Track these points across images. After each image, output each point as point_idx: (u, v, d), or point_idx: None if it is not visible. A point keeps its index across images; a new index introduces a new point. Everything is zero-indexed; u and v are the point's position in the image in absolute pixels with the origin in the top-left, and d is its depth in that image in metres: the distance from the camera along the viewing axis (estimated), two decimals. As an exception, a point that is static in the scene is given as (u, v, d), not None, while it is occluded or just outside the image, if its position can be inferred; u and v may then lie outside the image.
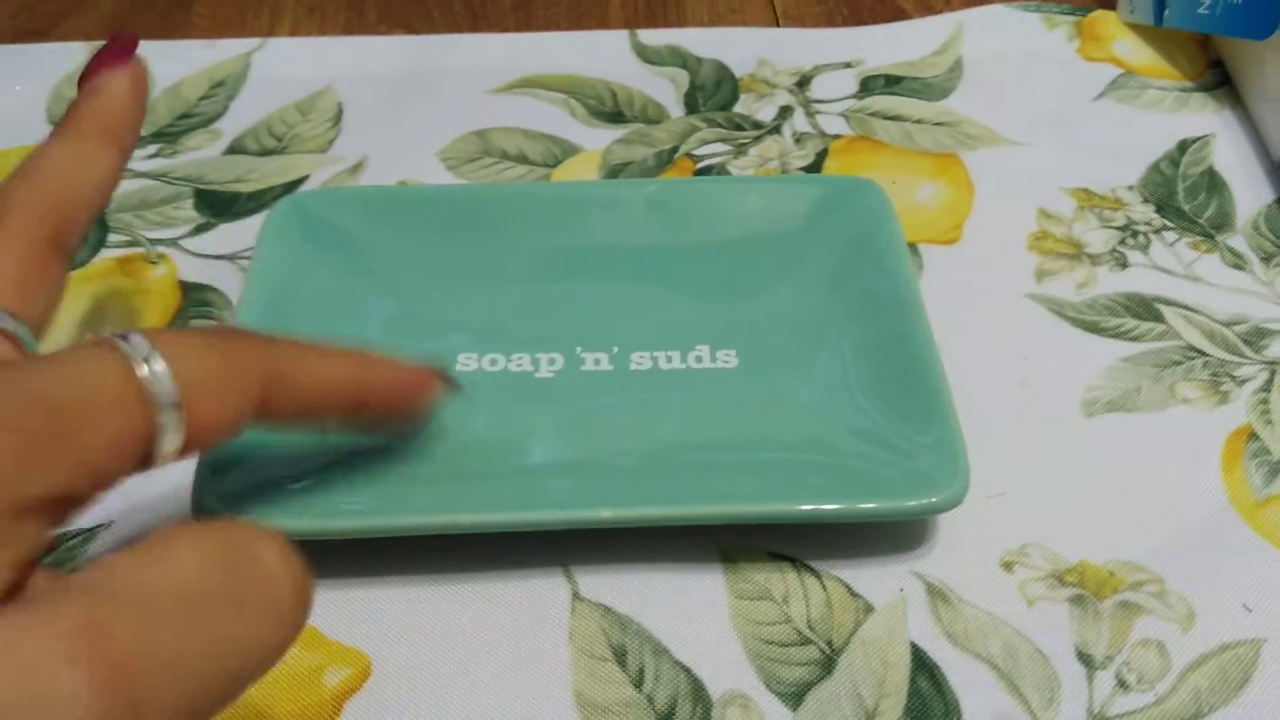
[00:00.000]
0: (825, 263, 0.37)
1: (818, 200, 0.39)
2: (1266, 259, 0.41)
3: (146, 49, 0.29)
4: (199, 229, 0.41)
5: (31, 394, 0.19)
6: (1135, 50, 0.49)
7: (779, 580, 0.31)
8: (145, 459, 0.20)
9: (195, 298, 0.39)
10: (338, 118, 0.46)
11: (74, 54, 0.47)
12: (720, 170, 0.44)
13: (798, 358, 0.35)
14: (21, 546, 0.18)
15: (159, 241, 0.41)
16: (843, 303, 0.36)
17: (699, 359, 0.35)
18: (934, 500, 0.30)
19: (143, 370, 0.20)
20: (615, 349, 0.35)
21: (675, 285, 0.37)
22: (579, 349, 0.35)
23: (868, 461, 0.32)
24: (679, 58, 0.49)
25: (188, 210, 0.42)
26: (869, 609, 0.31)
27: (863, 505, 0.30)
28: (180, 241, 0.41)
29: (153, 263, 0.40)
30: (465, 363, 0.35)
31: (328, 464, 0.31)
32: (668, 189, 0.40)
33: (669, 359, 0.35)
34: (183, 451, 0.21)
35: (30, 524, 0.18)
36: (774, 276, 0.38)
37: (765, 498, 0.31)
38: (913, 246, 0.41)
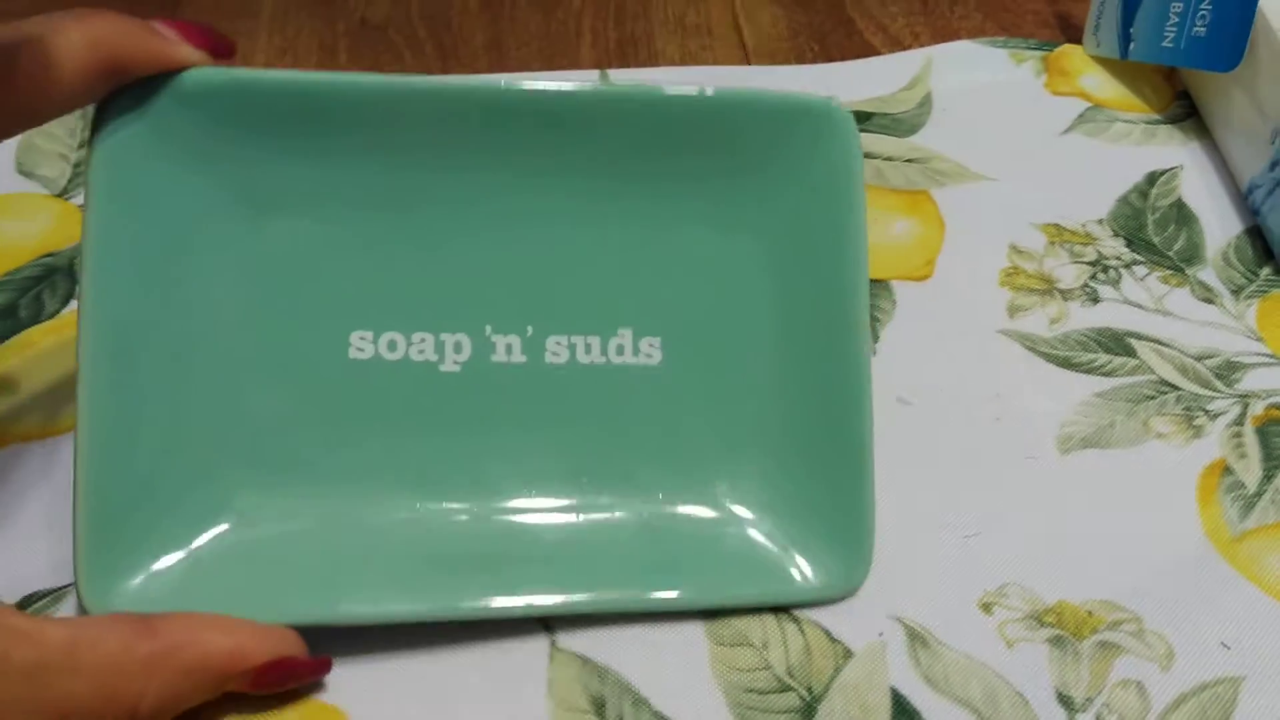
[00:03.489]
0: (768, 223, 0.33)
1: (766, 130, 0.32)
2: (1236, 291, 0.41)
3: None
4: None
5: None
6: (1102, 84, 0.50)
7: (758, 626, 0.31)
8: None
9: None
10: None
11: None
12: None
13: (721, 363, 0.33)
14: None
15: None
16: (779, 293, 0.33)
17: (620, 350, 0.32)
18: (824, 590, 0.32)
19: None
20: (529, 330, 0.32)
21: (598, 234, 0.32)
22: (489, 329, 0.32)
23: (762, 537, 0.32)
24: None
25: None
26: (848, 654, 0.31)
27: (742, 594, 0.31)
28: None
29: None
30: (360, 348, 0.31)
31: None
32: (591, 102, 0.31)
33: (588, 348, 0.32)
34: None
35: None
36: (707, 234, 0.33)
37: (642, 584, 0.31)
38: (884, 283, 0.41)
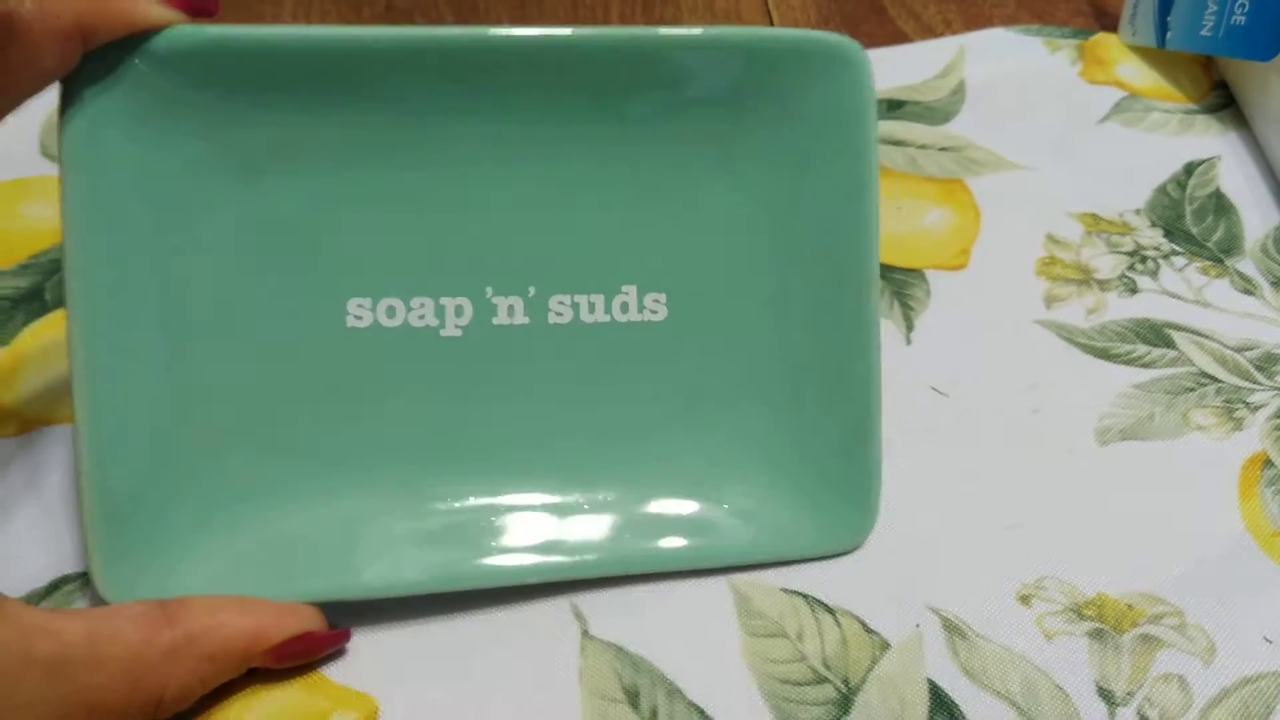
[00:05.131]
0: (775, 169, 0.31)
1: (772, 70, 0.30)
2: (1276, 283, 0.40)
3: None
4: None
5: None
6: (1138, 73, 0.49)
7: (793, 617, 0.31)
8: None
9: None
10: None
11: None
12: None
13: (727, 317, 0.32)
14: None
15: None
16: (788, 243, 0.32)
17: (624, 307, 0.32)
18: (831, 546, 0.32)
19: None
20: (531, 291, 0.31)
21: (601, 186, 0.31)
22: (489, 291, 0.31)
23: (768, 491, 0.32)
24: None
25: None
26: (885, 645, 0.30)
27: (755, 552, 0.32)
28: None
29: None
30: (358, 315, 0.30)
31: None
32: (587, 45, 0.30)
33: (591, 307, 0.31)
34: None
35: None
36: (713, 182, 0.32)
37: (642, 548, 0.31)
38: (919, 273, 0.40)
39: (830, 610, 0.31)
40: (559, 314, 0.31)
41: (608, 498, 0.32)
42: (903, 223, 0.42)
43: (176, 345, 0.29)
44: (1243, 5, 0.46)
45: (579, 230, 0.31)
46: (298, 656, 0.28)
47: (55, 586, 0.31)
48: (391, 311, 0.31)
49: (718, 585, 0.31)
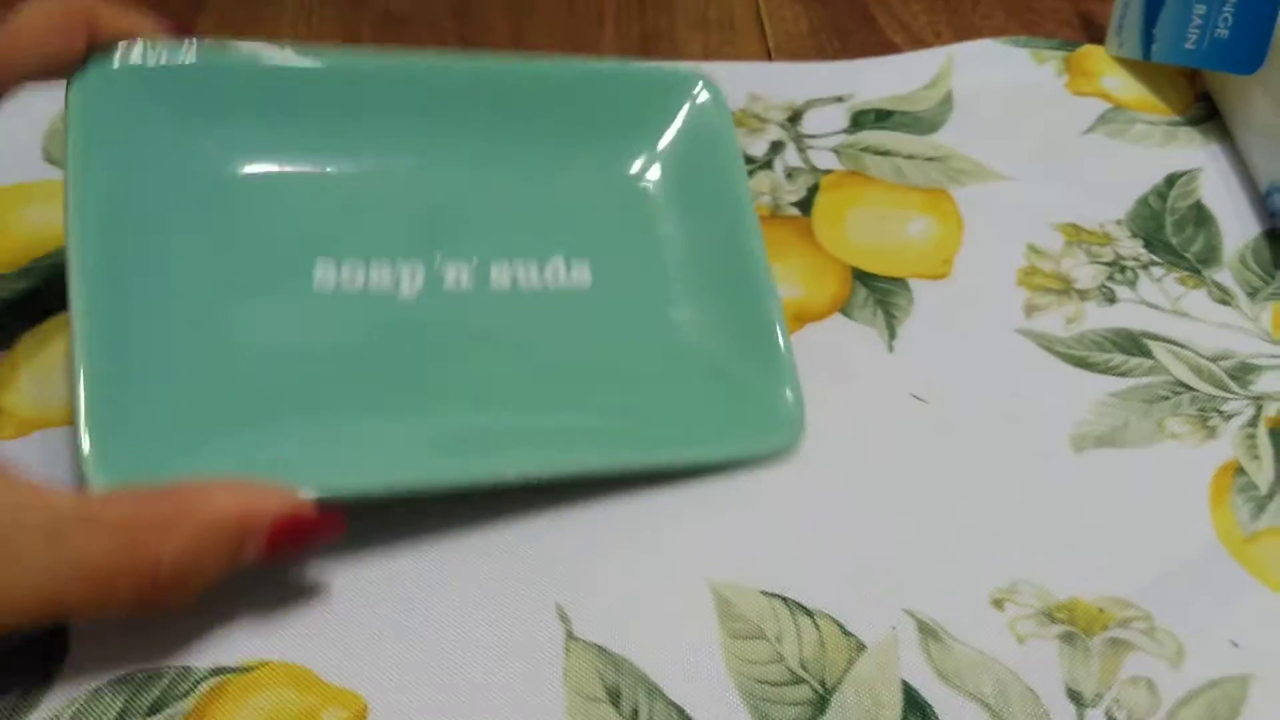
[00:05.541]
0: (660, 166, 0.39)
1: (642, 96, 0.40)
2: (1253, 293, 0.41)
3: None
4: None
5: None
6: (1124, 84, 0.50)
7: (771, 618, 0.32)
8: None
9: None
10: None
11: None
12: None
13: (644, 281, 0.38)
14: None
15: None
16: (682, 217, 0.39)
17: (555, 274, 0.37)
18: (765, 448, 0.35)
19: None
20: (475, 260, 0.36)
21: (520, 176, 0.38)
22: (439, 257, 0.36)
23: (704, 412, 0.36)
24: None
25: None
26: (861, 647, 0.31)
27: (710, 453, 0.35)
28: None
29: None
30: (324, 279, 0.34)
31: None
32: (498, 74, 0.38)
33: (527, 274, 0.36)
34: None
35: None
36: (610, 174, 0.39)
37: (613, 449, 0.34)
38: (903, 281, 0.41)
39: (809, 613, 0.32)
40: (499, 281, 0.36)
41: (558, 423, 0.35)
42: (888, 232, 0.43)
43: (163, 307, 0.32)
44: (1226, 19, 0.46)
45: (510, 210, 0.37)
46: (291, 543, 0.28)
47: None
48: (354, 273, 0.35)
49: (699, 588, 0.32)
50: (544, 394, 0.35)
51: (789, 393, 0.36)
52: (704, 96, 0.39)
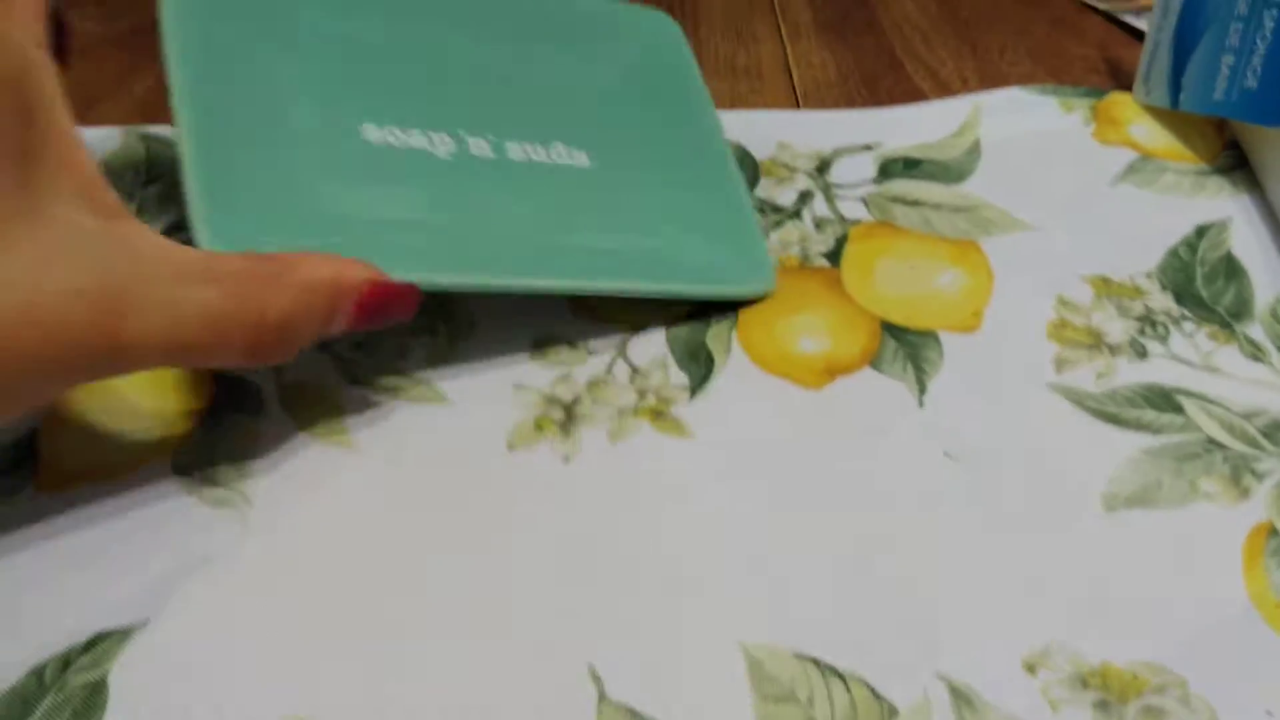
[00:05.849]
0: (632, 69, 0.47)
1: (613, 23, 0.48)
2: (1285, 349, 0.41)
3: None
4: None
5: None
6: (1151, 133, 0.50)
7: (804, 681, 0.32)
8: None
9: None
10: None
11: (110, 139, 0.48)
12: None
13: (634, 161, 0.44)
14: None
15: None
16: (653, 113, 0.46)
17: (559, 155, 0.42)
18: (742, 288, 0.42)
19: None
20: (491, 136, 0.41)
21: (522, 69, 0.44)
22: (462, 132, 0.41)
23: (687, 258, 0.42)
24: (700, 140, 0.51)
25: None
26: (893, 712, 0.31)
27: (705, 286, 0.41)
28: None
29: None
30: (369, 135, 0.39)
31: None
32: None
33: (535, 151, 0.42)
34: None
35: None
36: (591, 76, 0.46)
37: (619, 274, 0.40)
38: (932, 334, 0.41)
39: (840, 676, 0.32)
40: (515, 155, 0.41)
41: (565, 258, 0.40)
42: (916, 283, 0.43)
43: (251, 122, 0.38)
44: (1255, 69, 0.46)
45: (517, 98, 0.43)
46: (375, 310, 0.33)
47: (93, 643, 0.32)
48: (395, 136, 0.39)
49: (731, 651, 0.32)
50: (568, 223, 0.40)
51: (763, 261, 0.43)
52: (658, 21, 0.49)
